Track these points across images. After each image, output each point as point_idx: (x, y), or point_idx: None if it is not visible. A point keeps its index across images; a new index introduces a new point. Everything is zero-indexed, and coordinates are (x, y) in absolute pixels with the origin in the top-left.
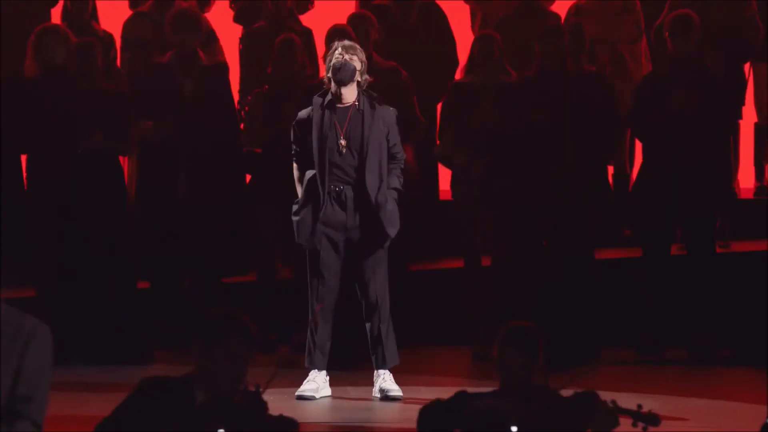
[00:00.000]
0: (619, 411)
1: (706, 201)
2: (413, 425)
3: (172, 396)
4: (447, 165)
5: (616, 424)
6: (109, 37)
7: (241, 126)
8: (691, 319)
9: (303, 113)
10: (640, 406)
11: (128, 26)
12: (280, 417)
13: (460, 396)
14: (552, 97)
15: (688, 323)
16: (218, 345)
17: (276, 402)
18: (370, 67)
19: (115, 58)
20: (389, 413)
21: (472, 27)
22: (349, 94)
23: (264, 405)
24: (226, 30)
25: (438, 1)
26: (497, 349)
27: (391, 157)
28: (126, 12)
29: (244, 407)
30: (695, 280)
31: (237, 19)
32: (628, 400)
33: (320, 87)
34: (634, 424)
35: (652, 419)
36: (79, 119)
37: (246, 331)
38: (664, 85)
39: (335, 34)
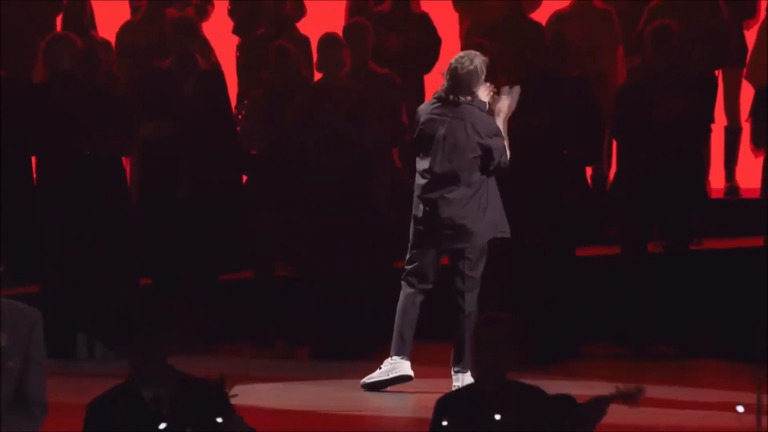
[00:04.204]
0: (604, 402)
1: (684, 203)
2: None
3: (121, 403)
4: None
5: (602, 414)
6: (107, 43)
7: (238, 129)
8: (669, 314)
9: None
10: (618, 387)
11: (121, 35)
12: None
13: (440, 405)
14: (536, 102)
15: (667, 319)
16: (134, 332)
17: (274, 392)
18: (365, 74)
19: (113, 63)
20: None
21: (460, 33)
22: None
23: (227, 402)
24: (226, 37)
25: (424, 4)
26: (473, 338)
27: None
28: (122, 20)
29: (204, 398)
30: (672, 276)
31: (236, 31)
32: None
33: (314, 90)
34: (625, 400)
35: (638, 390)
36: (86, 121)
37: (159, 313)
38: (646, 92)
39: (326, 41)
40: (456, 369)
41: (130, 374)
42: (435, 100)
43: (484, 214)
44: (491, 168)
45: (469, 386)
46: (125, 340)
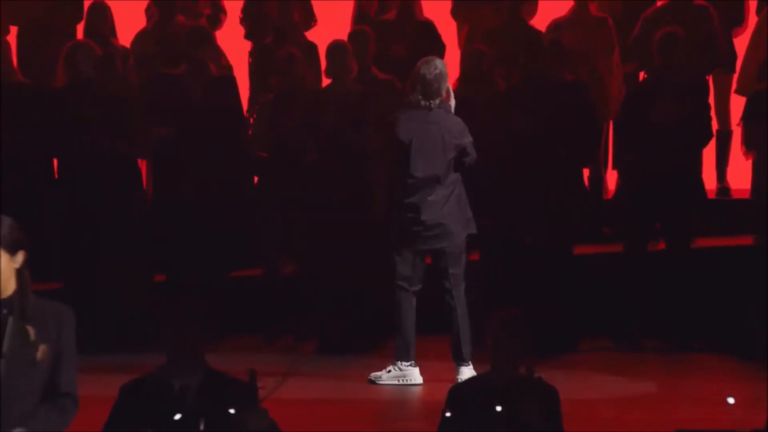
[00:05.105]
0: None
1: (685, 204)
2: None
3: (151, 392)
4: None
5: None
6: (126, 50)
7: (249, 132)
8: (666, 310)
9: None
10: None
11: (135, 43)
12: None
13: (453, 393)
14: (534, 105)
15: (664, 315)
16: (163, 328)
17: (283, 385)
18: (368, 79)
19: (131, 70)
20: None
21: (458, 39)
22: None
23: (255, 397)
24: (238, 44)
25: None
26: (492, 335)
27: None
28: (140, 29)
29: (230, 393)
30: (668, 274)
31: (248, 36)
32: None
33: (319, 95)
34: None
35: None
36: (102, 124)
37: (184, 311)
38: (647, 95)
39: (335, 48)
40: (458, 363)
41: (163, 364)
42: (406, 108)
43: (459, 212)
44: (467, 164)
45: (482, 376)
46: (157, 331)
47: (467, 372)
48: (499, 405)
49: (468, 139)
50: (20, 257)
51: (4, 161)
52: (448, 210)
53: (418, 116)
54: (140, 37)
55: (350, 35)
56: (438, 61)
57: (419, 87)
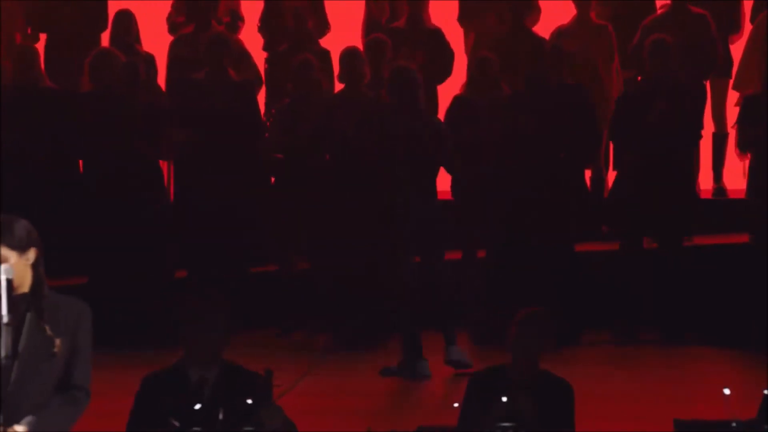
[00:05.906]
0: None
1: (677, 203)
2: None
3: (170, 383)
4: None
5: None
6: (150, 57)
7: (266, 135)
8: (664, 305)
9: None
10: None
11: (173, 48)
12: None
13: (473, 383)
14: (537, 108)
15: (662, 310)
16: (179, 324)
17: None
18: (382, 85)
19: (156, 75)
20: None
21: (465, 45)
22: None
23: (269, 391)
24: (255, 51)
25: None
26: (515, 331)
27: None
28: (164, 36)
29: (247, 388)
30: (666, 271)
31: (266, 47)
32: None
33: (332, 100)
34: None
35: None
36: (124, 127)
37: (196, 310)
38: (642, 99)
39: (349, 55)
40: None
41: (180, 358)
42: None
43: (437, 205)
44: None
45: (500, 368)
46: (174, 327)
47: (454, 352)
48: (506, 397)
49: (446, 131)
50: (32, 254)
51: (5, 161)
52: (431, 206)
53: (400, 119)
54: (178, 41)
55: (367, 42)
56: (410, 67)
57: (395, 92)
